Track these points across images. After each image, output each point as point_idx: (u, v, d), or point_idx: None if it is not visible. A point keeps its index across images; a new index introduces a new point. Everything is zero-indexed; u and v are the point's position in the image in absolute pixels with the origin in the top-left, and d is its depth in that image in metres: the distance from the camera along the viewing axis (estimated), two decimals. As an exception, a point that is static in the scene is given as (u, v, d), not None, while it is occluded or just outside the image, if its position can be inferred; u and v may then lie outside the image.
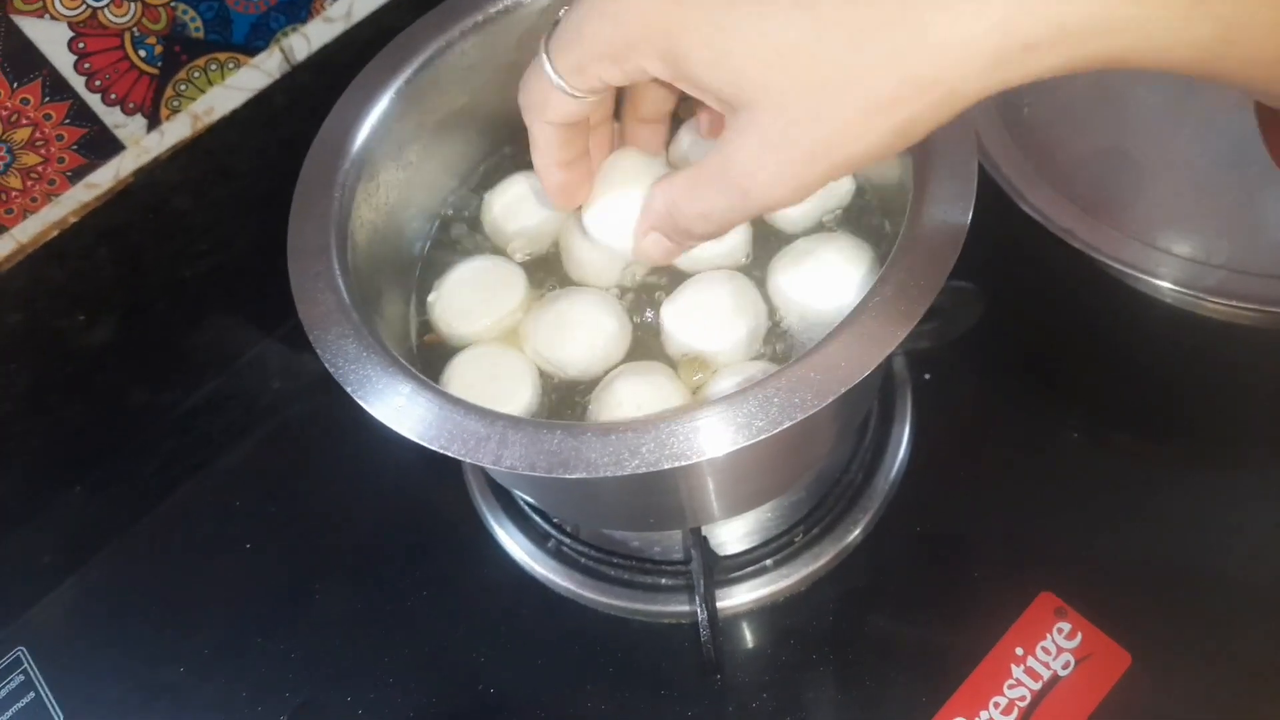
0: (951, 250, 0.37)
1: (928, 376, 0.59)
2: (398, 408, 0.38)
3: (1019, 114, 0.59)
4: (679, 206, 0.36)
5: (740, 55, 0.30)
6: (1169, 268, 0.52)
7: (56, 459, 0.72)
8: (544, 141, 0.40)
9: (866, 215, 0.49)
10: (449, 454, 0.37)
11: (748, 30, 0.30)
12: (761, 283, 0.47)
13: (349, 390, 0.39)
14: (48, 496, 0.70)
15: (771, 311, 0.46)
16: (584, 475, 0.35)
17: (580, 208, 0.44)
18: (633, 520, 0.51)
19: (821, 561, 0.54)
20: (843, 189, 0.49)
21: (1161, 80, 0.60)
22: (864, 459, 0.56)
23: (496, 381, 0.46)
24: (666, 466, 0.35)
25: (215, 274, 0.74)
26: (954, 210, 0.38)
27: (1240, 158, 0.56)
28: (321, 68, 0.71)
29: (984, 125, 0.58)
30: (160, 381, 0.74)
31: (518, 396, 0.45)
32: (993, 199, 0.55)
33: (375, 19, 0.72)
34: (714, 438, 0.35)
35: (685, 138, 0.50)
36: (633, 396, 0.43)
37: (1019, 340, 0.60)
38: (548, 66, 0.36)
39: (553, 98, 0.37)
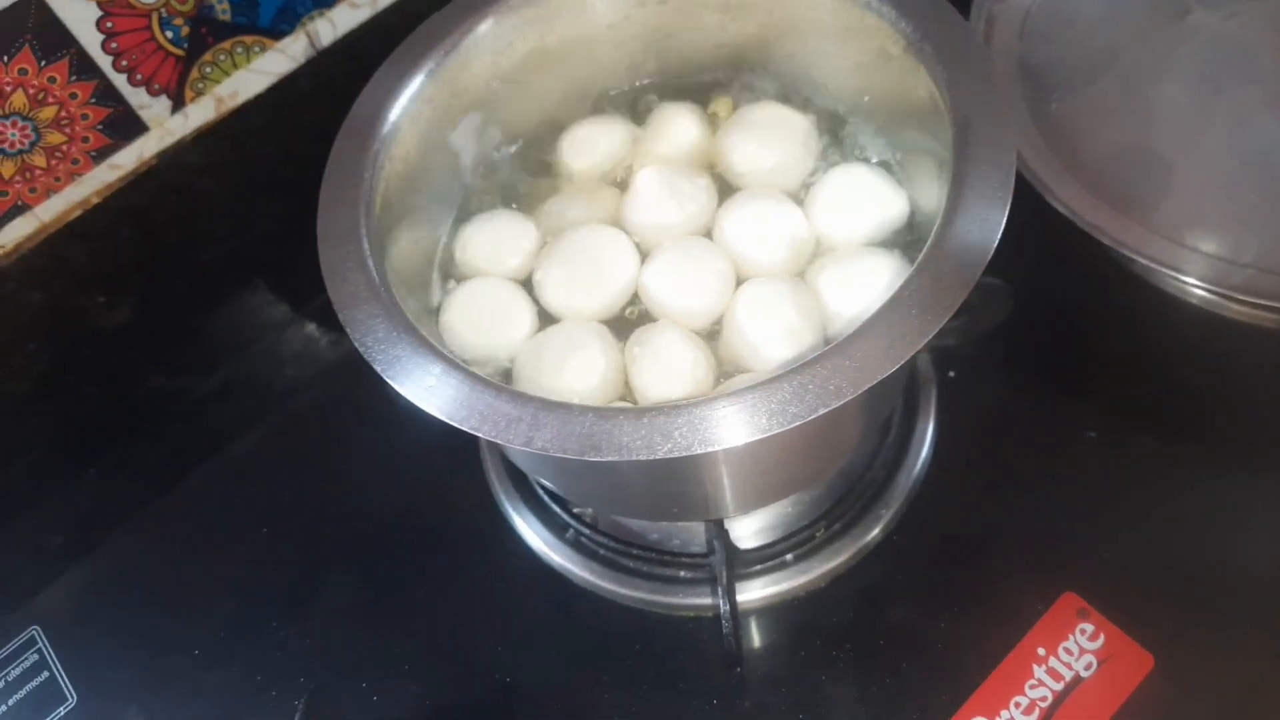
0: (986, 245, 0.36)
1: (952, 374, 0.58)
2: (428, 388, 0.38)
3: (1047, 109, 0.59)
4: None
5: None
6: (1196, 265, 0.52)
7: (72, 440, 0.72)
8: None
9: (916, 248, 0.48)
10: (480, 435, 0.37)
11: None
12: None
13: (379, 369, 0.39)
14: (62, 478, 0.70)
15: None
16: (615, 459, 0.35)
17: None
18: (656, 509, 0.51)
19: (842, 558, 0.53)
20: (896, 210, 0.49)
21: (1189, 78, 0.59)
22: (887, 456, 0.56)
23: (495, 312, 0.48)
24: (699, 451, 0.35)
25: (234, 258, 0.74)
26: (990, 206, 0.38)
27: (1268, 156, 0.56)
28: (347, 53, 0.71)
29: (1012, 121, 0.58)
30: (177, 365, 0.74)
31: (517, 324, 0.48)
32: (1021, 194, 0.53)
33: (401, 5, 0.72)
34: (748, 423, 0.35)
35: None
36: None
37: (1044, 337, 0.60)
38: None
39: None
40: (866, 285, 0.45)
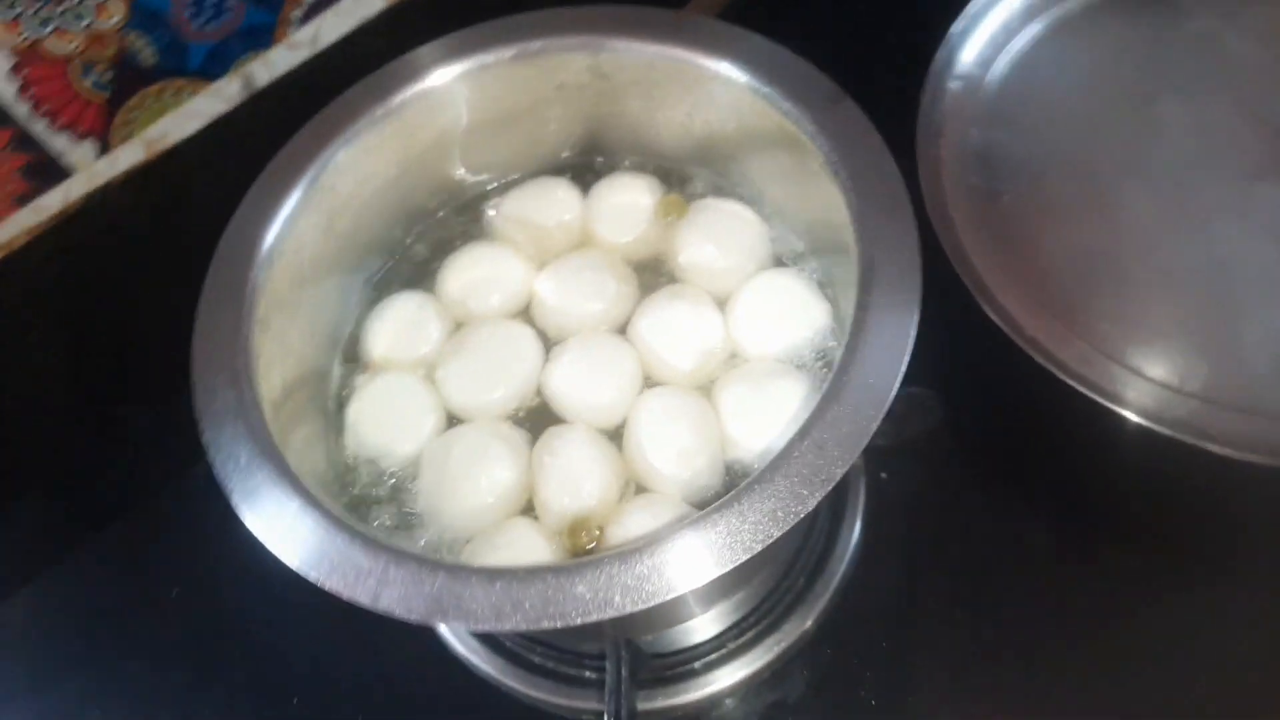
0: (868, 423, 0.34)
1: (884, 475, 0.56)
2: (283, 526, 0.36)
3: (998, 202, 0.55)
4: None
5: None
6: (1136, 393, 0.49)
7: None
8: None
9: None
10: (325, 587, 0.35)
11: None
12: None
13: (233, 501, 0.37)
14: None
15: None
16: (460, 625, 0.33)
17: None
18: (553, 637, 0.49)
19: (753, 669, 0.51)
20: (817, 324, 0.47)
21: (1153, 175, 0.56)
22: (808, 561, 0.53)
23: (401, 411, 0.47)
24: (546, 626, 0.33)
25: (168, 294, 0.72)
26: (885, 362, 0.35)
27: (1228, 268, 0.52)
28: (286, 94, 0.69)
29: (959, 213, 0.54)
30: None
31: (423, 424, 0.47)
32: (959, 297, 0.51)
33: (344, 45, 0.70)
34: (601, 599, 0.33)
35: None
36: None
37: (980, 446, 0.57)
38: None
39: None
40: (768, 412, 0.43)
